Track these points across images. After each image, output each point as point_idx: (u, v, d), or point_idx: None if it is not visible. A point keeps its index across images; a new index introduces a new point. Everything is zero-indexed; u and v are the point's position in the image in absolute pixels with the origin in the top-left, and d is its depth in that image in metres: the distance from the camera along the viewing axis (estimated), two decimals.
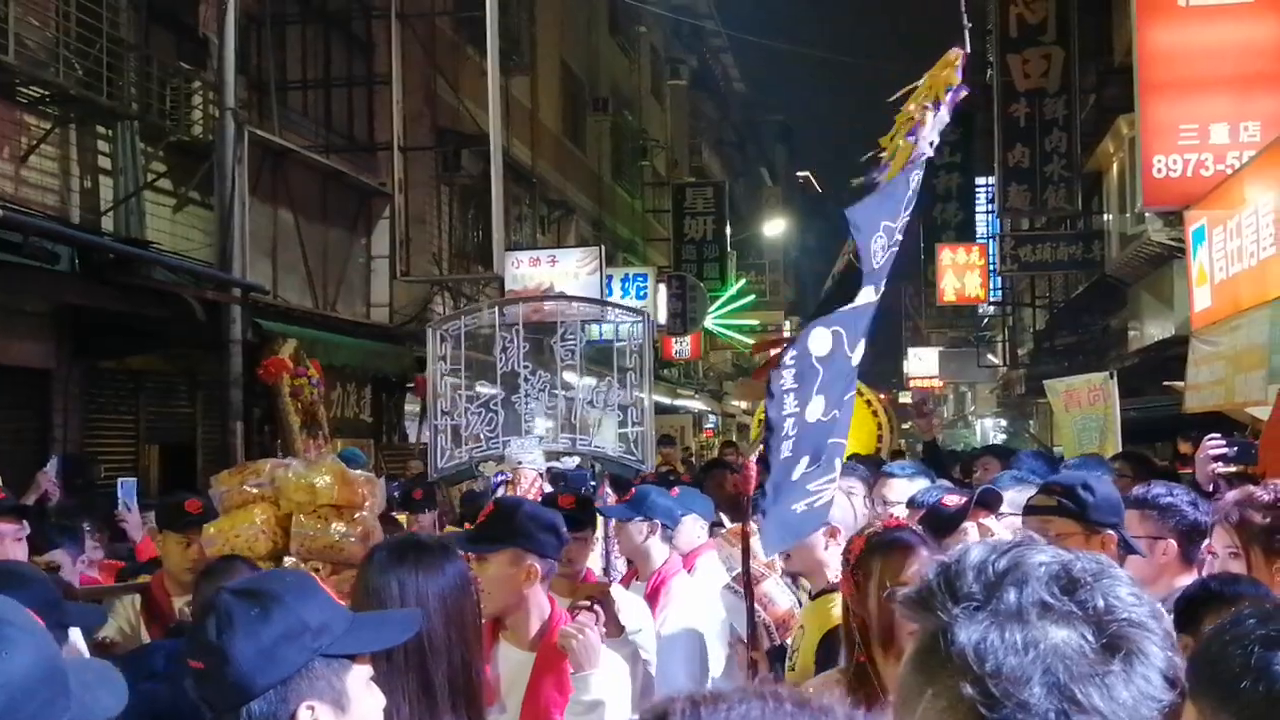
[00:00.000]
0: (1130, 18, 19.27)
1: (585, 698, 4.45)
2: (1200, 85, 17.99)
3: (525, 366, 9.23)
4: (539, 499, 7.40)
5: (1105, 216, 30.91)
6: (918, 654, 1.79)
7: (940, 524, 5.43)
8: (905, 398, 70.37)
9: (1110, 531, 4.93)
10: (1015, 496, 6.09)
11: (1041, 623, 1.70)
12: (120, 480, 11.91)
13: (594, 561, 7.17)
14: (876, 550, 4.44)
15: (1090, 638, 1.70)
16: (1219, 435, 8.82)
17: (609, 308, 11.19)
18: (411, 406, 22.06)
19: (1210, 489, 7.40)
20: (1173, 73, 18.16)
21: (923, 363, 70.74)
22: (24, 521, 6.44)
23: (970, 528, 5.70)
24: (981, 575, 1.77)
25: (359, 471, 5.97)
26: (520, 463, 8.48)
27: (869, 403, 17.68)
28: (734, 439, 40.59)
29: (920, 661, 1.78)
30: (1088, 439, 14.71)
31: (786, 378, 5.05)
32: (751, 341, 42.67)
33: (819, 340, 5.19)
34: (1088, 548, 4.47)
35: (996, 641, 1.69)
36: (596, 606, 4.83)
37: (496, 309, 9.56)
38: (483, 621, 4.05)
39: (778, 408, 5.04)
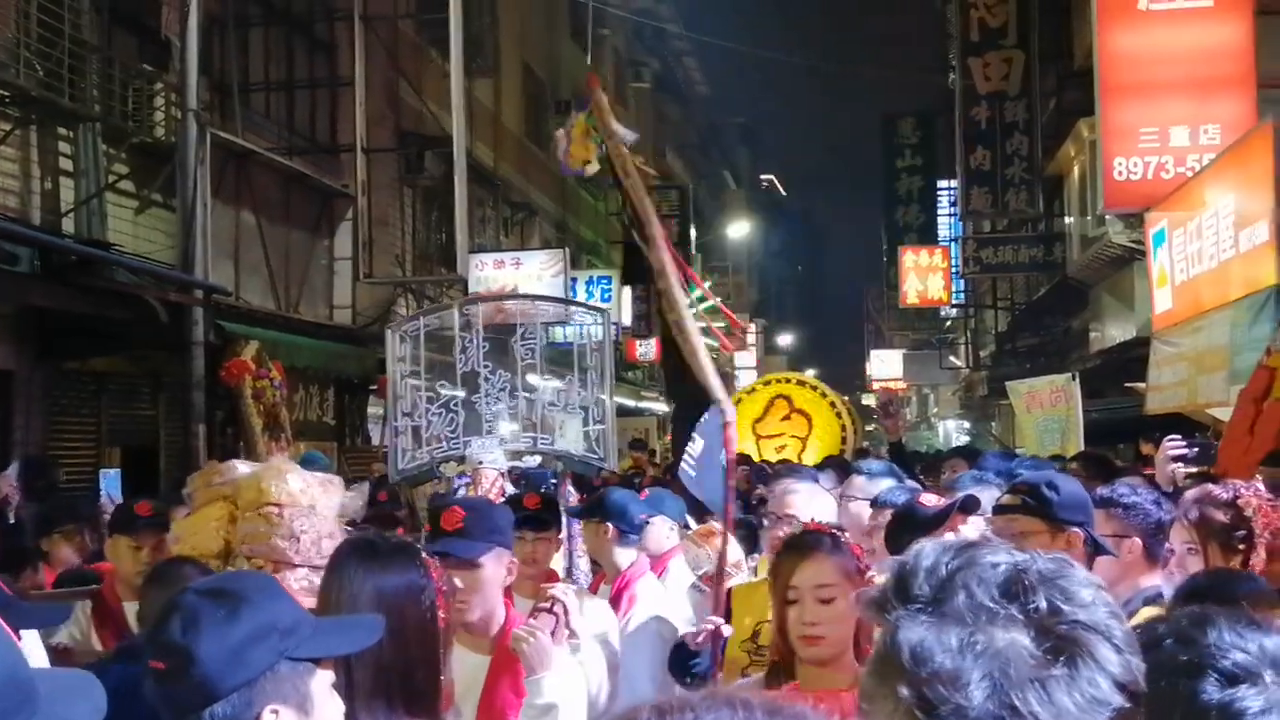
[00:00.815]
0: (1090, 21, 19.42)
1: (538, 701, 4.40)
2: (1160, 88, 18.16)
3: (485, 366, 9.21)
4: (500, 499, 7.37)
5: (1066, 219, 31.03)
6: (874, 657, 1.77)
7: (917, 525, 5.41)
8: (869, 400, 70.48)
9: (1076, 530, 4.90)
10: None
11: (985, 626, 1.67)
12: (102, 471, 11.87)
13: (556, 562, 7.14)
14: (782, 552, 4.50)
15: (1033, 641, 1.66)
16: (1179, 436, 8.88)
17: (572, 308, 11.15)
18: (375, 409, 22.00)
19: (1170, 489, 7.44)
20: (1133, 76, 18.30)
21: (885, 365, 70.74)
22: None
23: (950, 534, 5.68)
24: (932, 576, 1.75)
25: (318, 473, 5.95)
26: (481, 463, 8.47)
27: (833, 404, 17.83)
28: None
29: (875, 664, 1.76)
30: (1049, 440, 14.83)
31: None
32: (716, 344, 42.60)
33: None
34: (1053, 546, 4.62)
35: (934, 644, 1.67)
36: (557, 608, 4.79)
37: (456, 309, 9.54)
38: (440, 625, 3.96)
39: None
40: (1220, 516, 4.86)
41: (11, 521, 10.48)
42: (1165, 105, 18.26)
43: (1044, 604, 1.70)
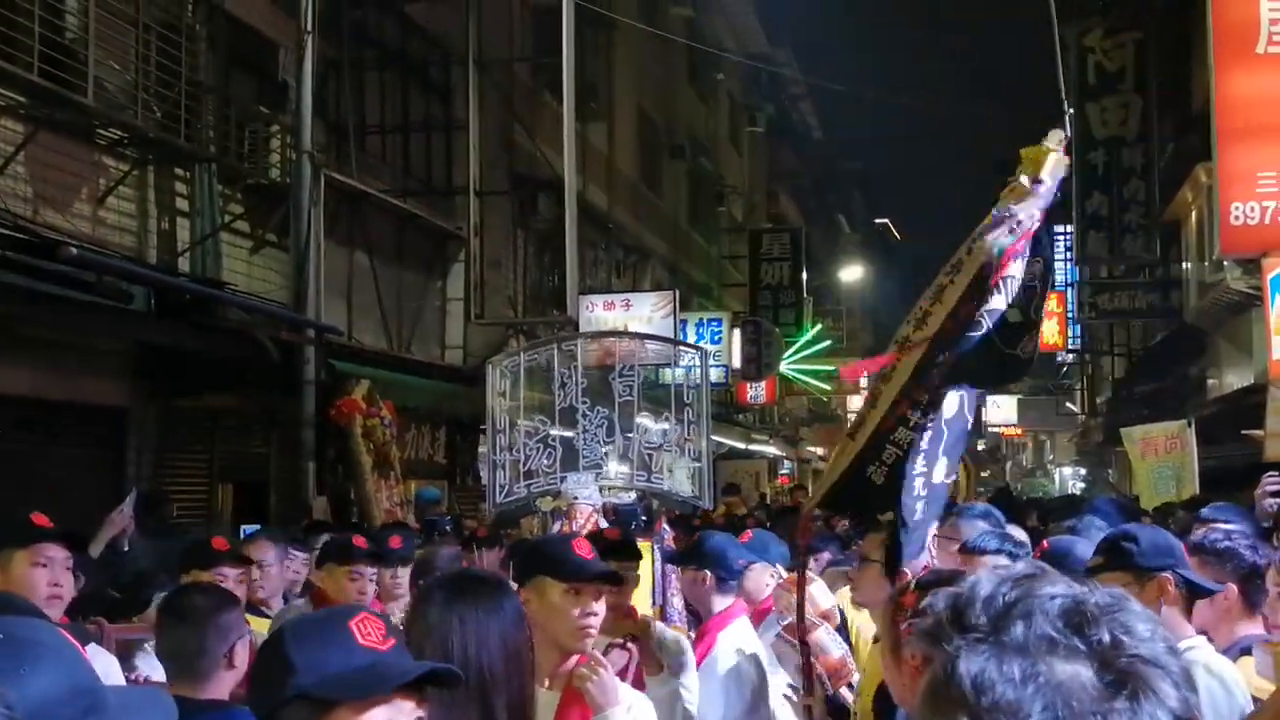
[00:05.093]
0: (1208, 65, 19.23)
1: None
2: (1278, 132, 17.89)
3: (584, 402, 9.26)
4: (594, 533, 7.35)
5: (1184, 264, 30.71)
6: (928, 687, 1.75)
7: None
8: (984, 445, 69.86)
9: (1165, 574, 4.84)
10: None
11: (1046, 657, 1.65)
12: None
13: (643, 599, 7.10)
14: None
15: (1095, 674, 1.63)
16: (1277, 473, 8.77)
17: (679, 349, 11.15)
18: (485, 448, 22.10)
19: (1269, 525, 7.35)
20: (1250, 119, 18.07)
21: (1001, 410, 70.03)
22: (72, 550, 6.38)
23: None
24: (989, 607, 1.72)
25: None
26: (576, 498, 8.49)
27: None
28: (808, 484, 40.33)
29: (929, 695, 1.74)
30: (1163, 487, 14.62)
31: (921, 439, 5.11)
32: (828, 387, 42.53)
33: (950, 401, 5.25)
34: (1143, 594, 4.54)
35: (995, 674, 1.64)
36: (630, 644, 4.76)
37: (556, 346, 9.61)
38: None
39: (909, 465, 5.13)
40: None
41: (125, 549, 10.58)
42: None
43: (1106, 636, 1.68)
